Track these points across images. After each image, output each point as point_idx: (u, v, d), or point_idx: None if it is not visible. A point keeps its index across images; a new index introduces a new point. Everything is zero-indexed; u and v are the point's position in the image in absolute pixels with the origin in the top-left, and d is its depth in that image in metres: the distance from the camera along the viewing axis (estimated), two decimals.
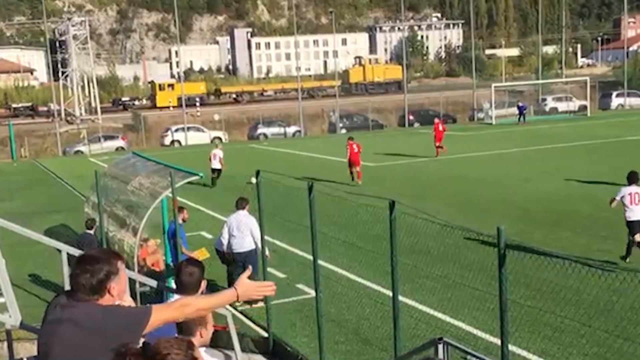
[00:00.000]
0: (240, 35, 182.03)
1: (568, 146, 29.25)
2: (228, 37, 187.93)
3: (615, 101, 56.38)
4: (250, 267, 4.29)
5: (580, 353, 8.20)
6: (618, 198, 11.96)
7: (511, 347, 6.19)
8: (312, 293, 9.15)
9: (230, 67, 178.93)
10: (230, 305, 10.93)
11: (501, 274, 5.49)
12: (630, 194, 11.86)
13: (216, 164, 25.32)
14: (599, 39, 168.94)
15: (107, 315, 3.25)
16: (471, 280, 9.86)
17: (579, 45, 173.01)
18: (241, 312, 10.90)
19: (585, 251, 12.58)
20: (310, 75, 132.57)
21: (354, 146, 22.76)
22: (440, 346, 6.21)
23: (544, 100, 57.87)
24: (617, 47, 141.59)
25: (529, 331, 8.62)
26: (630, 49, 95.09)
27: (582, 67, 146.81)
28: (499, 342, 5.82)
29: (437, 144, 30.12)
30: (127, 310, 3.42)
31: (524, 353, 8.25)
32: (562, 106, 54.93)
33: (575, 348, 8.33)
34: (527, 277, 9.38)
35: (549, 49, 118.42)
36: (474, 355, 6.31)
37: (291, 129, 53.61)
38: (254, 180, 9.60)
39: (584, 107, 51.89)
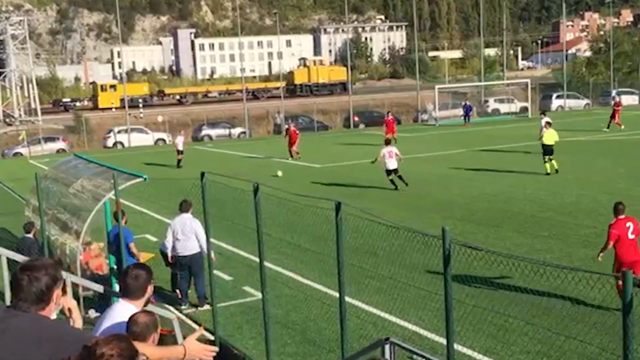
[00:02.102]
0: (183, 36, 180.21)
1: (510, 147, 29.89)
2: (171, 38, 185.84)
3: (555, 103, 58.02)
4: (201, 328, 4.44)
5: (524, 351, 8.37)
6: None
7: (456, 346, 6.27)
8: (259, 295, 9.11)
9: (174, 68, 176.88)
10: (175, 308, 10.82)
11: (446, 273, 5.55)
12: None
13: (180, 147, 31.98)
14: (539, 42, 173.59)
15: (55, 328, 3.20)
16: (417, 281, 9.97)
17: (519, 48, 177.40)
18: (187, 316, 10.76)
19: (529, 250, 12.88)
20: (255, 77, 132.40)
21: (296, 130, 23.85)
22: (387, 346, 6.25)
23: (486, 101, 59.10)
24: (556, 50, 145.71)
25: (474, 330, 8.75)
26: (569, 51, 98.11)
27: (522, 69, 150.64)
28: (444, 341, 5.89)
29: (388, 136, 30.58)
30: (77, 331, 3.41)
31: (469, 352, 8.37)
32: (504, 108, 56.19)
33: (519, 346, 8.50)
34: (472, 276, 9.52)
35: (491, 52, 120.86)
36: (420, 355, 6.36)
37: (236, 131, 53.32)
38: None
39: (525, 109, 53.19)
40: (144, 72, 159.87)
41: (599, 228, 14.81)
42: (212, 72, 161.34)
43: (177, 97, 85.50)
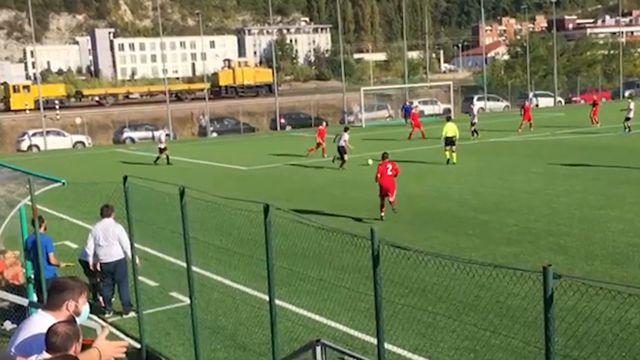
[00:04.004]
0: (101, 36, 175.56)
1: (434, 148, 30.52)
2: (89, 37, 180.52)
3: (477, 105, 59.61)
4: (107, 327, 4.37)
5: (452, 347, 8.59)
6: None
7: (387, 345, 6.37)
8: (187, 300, 9.01)
9: (92, 68, 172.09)
10: (99, 317, 10.55)
11: (375, 274, 5.64)
12: None
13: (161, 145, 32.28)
14: (460, 45, 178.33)
15: None
16: (347, 282, 10.06)
17: (441, 51, 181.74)
18: (111, 324, 10.51)
19: (455, 249, 13.20)
20: (178, 78, 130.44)
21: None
22: (318, 348, 6.31)
23: (410, 103, 60.20)
24: (476, 54, 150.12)
25: (403, 329, 8.92)
26: (488, 55, 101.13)
27: (445, 72, 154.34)
28: (375, 340, 5.97)
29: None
30: None
31: (399, 350, 8.52)
32: (427, 109, 57.36)
33: (447, 343, 8.71)
34: (400, 276, 9.69)
35: (414, 54, 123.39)
36: (351, 355, 6.44)
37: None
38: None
39: (449, 110, 54.46)
40: (60, 72, 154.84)
41: (520, 226, 15.38)
42: (133, 73, 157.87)
43: (97, 98, 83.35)
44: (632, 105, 34.29)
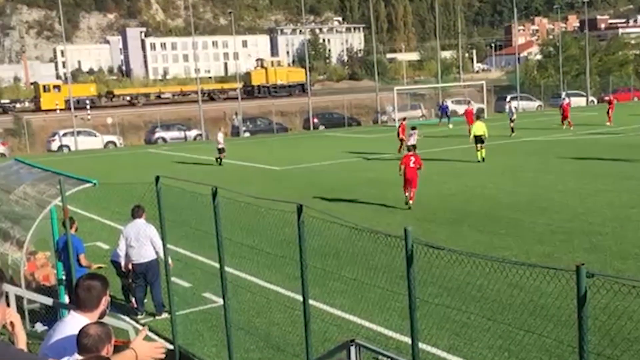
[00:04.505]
0: (133, 35, 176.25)
1: (469, 147, 30.28)
2: (120, 37, 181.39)
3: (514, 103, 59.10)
4: (144, 328, 4.26)
5: (486, 346, 8.54)
6: None
7: (421, 345, 6.37)
8: (220, 301, 9.03)
9: (124, 68, 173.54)
10: (131, 319, 10.67)
11: (409, 273, 5.63)
12: None
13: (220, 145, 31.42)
14: (492, 45, 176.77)
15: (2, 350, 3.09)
16: (381, 281, 10.06)
17: (474, 51, 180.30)
18: (143, 325, 10.63)
19: (488, 248, 13.13)
20: (210, 78, 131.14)
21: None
22: (353, 348, 6.31)
23: (444, 103, 59.88)
24: (509, 53, 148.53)
25: (437, 328, 8.90)
26: (521, 55, 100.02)
27: (477, 71, 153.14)
28: (409, 340, 5.97)
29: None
30: (23, 355, 3.30)
31: (433, 350, 8.50)
32: (461, 109, 56.92)
33: (481, 342, 8.67)
34: (434, 275, 9.67)
35: (447, 54, 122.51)
36: (386, 355, 6.44)
37: (192, 133, 52.76)
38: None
39: (482, 110, 54.03)
40: (91, 72, 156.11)
41: (553, 225, 15.23)
42: (165, 73, 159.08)
43: (128, 98, 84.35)
44: None
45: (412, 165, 18.40)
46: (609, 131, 36.05)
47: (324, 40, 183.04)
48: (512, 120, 37.67)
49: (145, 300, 11.25)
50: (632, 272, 11.12)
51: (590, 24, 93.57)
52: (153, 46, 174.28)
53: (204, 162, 33.86)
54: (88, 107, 66.19)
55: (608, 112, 40.83)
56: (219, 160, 31.48)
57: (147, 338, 3.97)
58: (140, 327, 10.01)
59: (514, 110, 38.91)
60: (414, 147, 27.01)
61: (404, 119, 35.73)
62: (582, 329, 4.29)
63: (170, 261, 9.75)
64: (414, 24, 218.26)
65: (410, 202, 18.41)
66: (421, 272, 6.96)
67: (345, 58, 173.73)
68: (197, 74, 66.53)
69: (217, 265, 8.44)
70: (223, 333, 8.58)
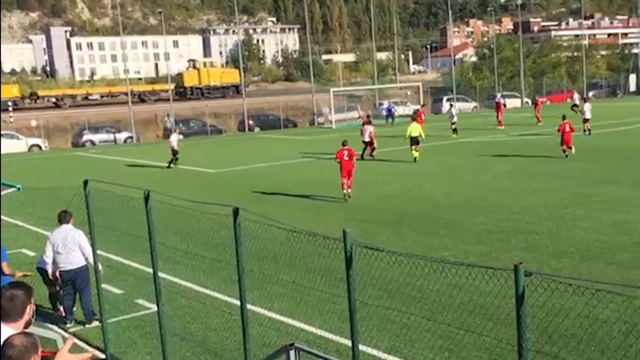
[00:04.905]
0: (57, 34, 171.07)
1: (404, 149, 30.69)
2: (43, 36, 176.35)
3: (446, 105, 60.16)
4: (71, 337, 4.20)
5: (427, 347, 8.66)
6: None
7: (361, 347, 6.40)
8: (154, 307, 8.91)
9: (48, 68, 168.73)
10: (60, 327, 10.38)
11: (349, 275, 5.66)
12: None
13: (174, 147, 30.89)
14: (428, 46, 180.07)
15: None
16: (320, 284, 10.08)
17: (410, 52, 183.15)
18: (73, 334, 10.35)
19: (427, 249, 13.33)
20: (140, 79, 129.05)
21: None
22: (292, 352, 6.30)
23: (380, 104, 60.57)
24: (444, 55, 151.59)
25: (377, 330, 8.97)
26: (457, 56, 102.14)
27: (414, 73, 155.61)
28: (349, 343, 5.99)
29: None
30: None
31: (374, 352, 8.56)
32: (398, 110, 57.74)
33: (422, 342, 8.79)
34: (374, 277, 9.76)
35: (383, 55, 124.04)
36: (325, 358, 6.45)
37: (122, 135, 51.82)
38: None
39: (417, 111, 54.85)
40: (13, 72, 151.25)
41: (490, 225, 15.59)
42: (92, 74, 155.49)
43: (53, 99, 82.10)
44: (586, 107, 34.77)
45: (346, 158, 20.16)
46: (543, 132, 37.16)
47: (258, 40, 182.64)
48: (453, 122, 38.73)
49: (75, 308, 10.96)
50: (567, 270, 11.48)
51: (524, 26, 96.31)
52: (79, 46, 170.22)
53: (135, 165, 33.27)
54: (10, 109, 64.16)
55: (537, 112, 43.46)
56: (171, 163, 30.76)
57: (74, 348, 3.86)
58: (86, 347, 9.76)
59: (454, 112, 39.76)
60: (370, 143, 29.39)
61: (423, 105, 38.00)
62: (520, 327, 4.39)
63: (100, 267, 9.56)
64: (350, 25, 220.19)
65: (349, 191, 20.12)
66: (360, 274, 7.01)
67: (280, 59, 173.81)
68: (126, 75, 65.36)
69: (150, 270, 8.31)
70: (157, 340, 8.46)
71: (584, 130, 34.04)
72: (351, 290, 5.68)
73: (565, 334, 8.42)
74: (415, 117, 32.66)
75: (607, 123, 38.81)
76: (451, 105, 44.15)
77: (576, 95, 53.01)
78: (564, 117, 27.73)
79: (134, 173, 30.10)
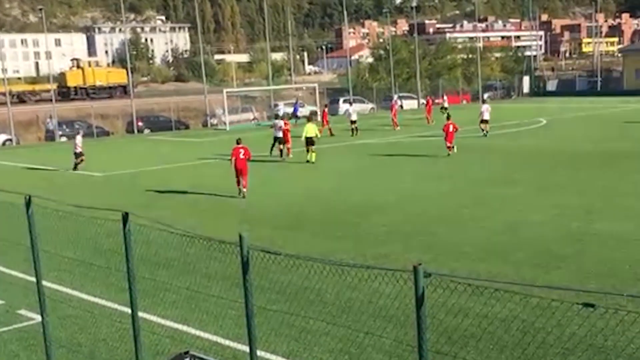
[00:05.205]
0: None
1: (298, 151, 30.89)
2: None
3: (343, 107, 60.93)
4: None
5: (326, 350, 8.73)
6: None
7: (259, 352, 6.39)
8: (37, 318, 8.59)
9: None
10: None
11: (246, 280, 5.65)
12: None
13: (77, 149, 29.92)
14: (324, 47, 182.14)
15: None
16: (216, 290, 9.97)
17: (305, 53, 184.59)
18: None
19: (325, 252, 13.43)
20: (19, 78, 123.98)
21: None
22: None
23: (276, 105, 60.59)
24: (340, 56, 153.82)
25: (276, 335, 8.96)
26: (353, 57, 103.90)
27: (310, 74, 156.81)
28: (247, 348, 5.96)
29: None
30: None
31: (272, 357, 8.54)
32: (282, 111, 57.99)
33: (321, 346, 8.85)
34: (272, 281, 9.74)
35: (277, 56, 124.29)
36: None
37: (0, 138, 49.53)
38: None
39: (315, 113, 55.35)
40: None
41: (389, 226, 15.93)
42: None
43: None
44: (483, 108, 36.27)
45: (241, 156, 20.65)
46: (437, 133, 38.36)
47: (146, 39, 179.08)
48: (353, 122, 39.77)
49: None
50: (466, 270, 11.87)
51: (419, 28, 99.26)
52: None
53: (15, 169, 31.78)
54: None
55: (427, 113, 46.09)
56: (76, 165, 29.66)
57: None
58: None
59: (351, 111, 41.01)
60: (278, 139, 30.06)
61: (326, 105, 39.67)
62: (421, 328, 4.49)
63: None
64: (243, 24, 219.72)
65: (244, 189, 20.65)
66: (258, 279, 6.99)
67: (171, 59, 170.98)
68: (4, 74, 62.40)
69: (33, 279, 7.98)
70: (42, 352, 8.18)
71: (482, 131, 35.44)
72: (248, 295, 5.67)
73: (465, 333, 8.70)
74: (311, 117, 33.19)
75: (502, 124, 40.53)
76: (350, 104, 45.20)
77: (445, 98, 56.01)
78: (448, 117, 29.86)
79: (14, 177, 28.74)
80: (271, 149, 30.95)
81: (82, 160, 29.73)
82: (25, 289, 11.25)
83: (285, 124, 30.65)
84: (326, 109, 45.63)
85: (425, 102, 48.98)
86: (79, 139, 30.55)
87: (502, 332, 8.70)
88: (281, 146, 30.30)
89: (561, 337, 8.42)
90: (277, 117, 33.27)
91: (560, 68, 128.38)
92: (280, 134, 30.31)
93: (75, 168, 29.62)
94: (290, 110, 53.31)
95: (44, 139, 52.72)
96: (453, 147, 28.39)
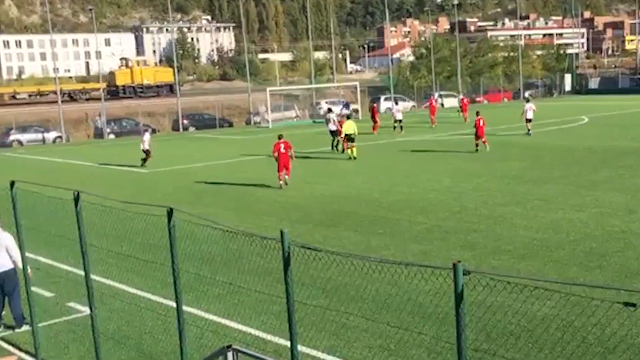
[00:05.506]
0: None
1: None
2: None
3: (384, 105, 60.78)
4: None
5: (366, 346, 8.71)
6: None
7: (300, 347, 6.39)
8: (86, 311, 8.75)
9: None
10: None
11: (287, 275, 5.65)
12: None
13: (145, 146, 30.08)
14: (365, 46, 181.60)
15: None
16: (257, 285, 10.02)
17: (347, 52, 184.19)
18: (2, 339, 10.04)
19: (366, 248, 13.42)
20: (70, 77, 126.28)
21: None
22: (230, 354, 6.26)
23: (318, 104, 60.70)
24: (382, 55, 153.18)
25: (316, 330, 8.97)
26: (394, 56, 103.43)
27: (351, 72, 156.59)
28: (288, 343, 5.98)
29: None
30: None
31: (313, 352, 8.56)
32: (335, 110, 57.92)
33: (361, 342, 8.84)
34: (312, 277, 9.76)
35: (320, 55, 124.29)
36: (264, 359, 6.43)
37: (51, 135, 50.63)
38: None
39: (356, 111, 55.30)
40: None
41: (429, 223, 15.81)
42: (21, 72, 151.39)
43: None
44: (527, 107, 35.62)
45: (282, 150, 21.66)
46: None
47: (192, 39, 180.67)
48: (398, 121, 40.06)
49: (4, 313, 10.62)
50: (506, 268, 11.73)
51: (461, 26, 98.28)
52: (7, 44, 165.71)
53: (65, 165, 32.45)
54: None
55: (463, 112, 45.77)
56: (144, 161, 29.96)
57: (1, 351, 3.73)
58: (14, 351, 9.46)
59: (395, 111, 41.21)
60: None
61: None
62: (459, 325, 4.44)
63: (29, 270, 9.32)
64: (286, 24, 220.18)
65: (287, 177, 21.86)
66: (298, 274, 7.00)
67: (216, 58, 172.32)
68: (55, 74, 63.73)
69: (81, 273, 8.13)
70: (90, 344, 8.32)
71: (528, 130, 34.94)
72: (289, 291, 5.67)
73: (504, 331, 8.60)
74: (350, 115, 33.65)
75: (543, 122, 39.91)
76: (396, 102, 45.34)
77: (460, 97, 55.10)
78: (477, 113, 29.87)
79: (64, 173, 29.35)
80: (334, 146, 31.11)
81: (148, 157, 29.99)
82: (74, 282, 11.48)
83: (340, 122, 30.97)
84: (375, 106, 45.70)
85: (460, 100, 48.69)
86: (147, 136, 30.79)
87: (541, 330, 8.57)
88: (338, 138, 30.57)
89: (601, 336, 8.26)
90: (330, 110, 33.41)
91: (603, 66, 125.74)
92: (334, 127, 30.67)
93: (143, 164, 29.96)
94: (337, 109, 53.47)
95: (93, 137, 53.74)
96: (485, 142, 28.70)
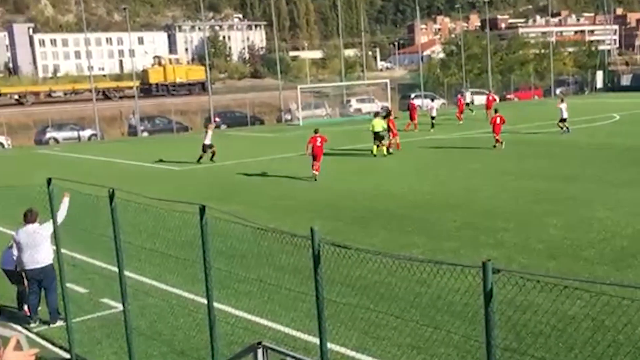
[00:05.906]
0: (20, 31, 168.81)
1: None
2: (6, 33, 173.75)
3: (414, 102, 60.47)
4: (16, 335, 4.12)
5: (395, 344, 8.69)
6: None
7: (329, 345, 6.40)
8: (119, 307, 8.84)
9: (11, 65, 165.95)
10: (23, 327, 10.23)
11: (317, 273, 5.65)
12: None
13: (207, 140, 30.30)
14: (396, 43, 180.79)
15: None
16: (288, 282, 10.06)
17: (377, 50, 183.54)
18: (37, 334, 10.21)
19: (395, 246, 13.38)
20: (105, 75, 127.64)
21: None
22: (260, 350, 6.29)
23: (348, 101, 60.63)
24: (412, 52, 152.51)
25: (345, 328, 8.98)
26: (424, 53, 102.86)
27: (382, 70, 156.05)
28: (317, 341, 5.99)
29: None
30: None
31: (342, 350, 8.57)
32: (365, 107, 57.87)
33: (390, 340, 8.82)
34: (342, 275, 9.76)
35: (350, 52, 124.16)
36: (293, 357, 6.44)
37: (86, 133, 51.26)
38: None
39: (387, 108, 55.08)
40: None
41: (459, 221, 15.71)
42: (56, 70, 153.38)
43: (16, 96, 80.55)
44: (562, 106, 34.93)
45: (318, 144, 23.07)
46: (511, 130, 37.58)
47: (224, 37, 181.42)
48: (432, 118, 40.38)
49: (40, 308, 10.81)
50: (536, 267, 11.62)
51: (491, 23, 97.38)
52: (42, 42, 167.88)
53: (100, 163, 32.87)
54: None
55: (486, 110, 44.59)
56: (211, 156, 30.05)
57: (31, 345, 3.80)
58: (32, 335, 9.63)
59: (429, 107, 41.85)
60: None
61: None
62: (489, 324, 4.41)
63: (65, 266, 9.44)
64: (317, 21, 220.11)
65: (316, 173, 22.90)
66: (328, 272, 7.00)
67: (247, 56, 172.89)
68: (90, 72, 64.53)
69: (115, 269, 8.23)
70: (123, 340, 8.40)
71: (561, 129, 34.45)
72: (319, 288, 5.67)
73: (534, 330, 8.51)
74: (378, 113, 33.50)
75: (574, 120, 39.36)
76: (432, 100, 46.10)
77: (467, 93, 56.08)
78: (496, 111, 30.38)
79: (99, 171, 29.72)
80: (376, 145, 30.66)
81: (213, 152, 30.01)
82: (107, 278, 11.62)
83: (390, 120, 30.42)
84: (414, 103, 45.25)
85: (486, 99, 48.32)
86: (209, 133, 30.70)
87: (571, 329, 8.47)
88: (382, 142, 29.28)
89: (632, 336, 8.14)
90: (376, 115, 31.79)
91: (635, 62, 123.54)
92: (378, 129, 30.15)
93: (211, 159, 30.01)
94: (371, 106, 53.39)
95: (127, 134, 54.29)
96: (502, 141, 28.79)
